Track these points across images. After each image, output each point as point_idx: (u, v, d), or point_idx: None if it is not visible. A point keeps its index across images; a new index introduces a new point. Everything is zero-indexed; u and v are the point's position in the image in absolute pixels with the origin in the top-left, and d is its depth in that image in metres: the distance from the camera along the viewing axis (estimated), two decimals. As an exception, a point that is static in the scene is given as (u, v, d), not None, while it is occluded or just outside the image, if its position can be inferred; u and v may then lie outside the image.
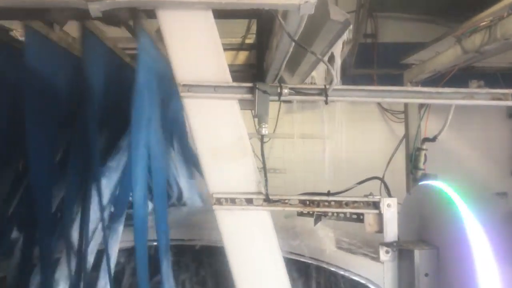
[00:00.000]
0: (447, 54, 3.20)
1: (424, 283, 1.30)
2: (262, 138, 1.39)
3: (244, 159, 1.34)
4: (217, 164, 1.33)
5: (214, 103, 1.33)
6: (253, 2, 1.25)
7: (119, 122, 1.90)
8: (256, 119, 1.38)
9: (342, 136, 5.07)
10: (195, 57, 1.33)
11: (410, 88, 1.92)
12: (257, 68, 2.29)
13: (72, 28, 1.83)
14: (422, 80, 3.71)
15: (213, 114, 1.34)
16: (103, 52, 1.95)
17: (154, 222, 1.67)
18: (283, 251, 1.36)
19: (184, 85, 1.31)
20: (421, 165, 3.56)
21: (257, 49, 2.34)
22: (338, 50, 1.54)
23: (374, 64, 4.95)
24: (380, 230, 1.34)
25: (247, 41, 2.65)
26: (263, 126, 1.36)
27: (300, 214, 1.39)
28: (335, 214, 1.38)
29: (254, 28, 2.28)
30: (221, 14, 1.32)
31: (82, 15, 1.31)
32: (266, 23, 1.95)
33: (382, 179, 1.50)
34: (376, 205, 1.34)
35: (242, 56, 2.68)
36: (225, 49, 1.35)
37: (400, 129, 4.44)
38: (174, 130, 2.56)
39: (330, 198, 1.35)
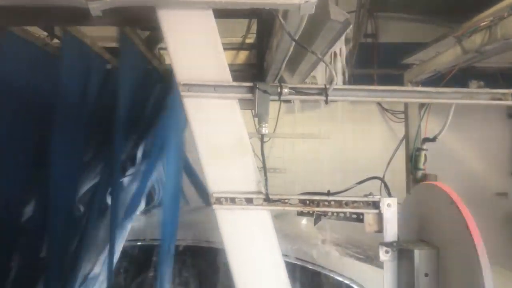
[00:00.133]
0: (447, 54, 3.20)
1: (424, 283, 1.29)
2: (262, 137, 1.39)
3: (244, 158, 1.33)
4: (217, 163, 1.33)
5: (214, 102, 1.33)
6: (254, 1, 1.25)
7: (141, 128, 1.94)
8: (256, 119, 1.38)
9: (342, 136, 5.07)
10: (195, 56, 1.33)
11: (410, 88, 1.93)
12: (257, 68, 2.29)
13: (99, 30, 1.84)
14: (422, 80, 3.71)
15: (213, 114, 1.34)
16: (137, 58, 1.96)
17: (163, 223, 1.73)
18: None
19: (184, 84, 1.31)
20: (421, 165, 3.56)
21: (257, 48, 2.34)
22: (342, 50, 1.54)
23: (374, 64, 4.95)
24: (380, 230, 1.34)
25: (248, 40, 2.65)
26: (263, 125, 1.36)
27: (300, 213, 1.39)
28: (335, 214, 1.38)
29: (254, 27, 2.28)
30: (221, 14, 1.32)
31: (82, 15, 1.31)
32: (266, 22, 1.95)
33: (382, 179, 1.50)
34: (376, 205, 1.34)
35: (243, 55, 2.68)
36: (225, 49, 1.35)
37: (400, 129, 4.43)
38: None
39: (330, 198, 1.35)
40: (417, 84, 3.72)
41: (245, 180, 1.33)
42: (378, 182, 1.50)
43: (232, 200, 1.31)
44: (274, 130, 4.29)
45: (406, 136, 3.89)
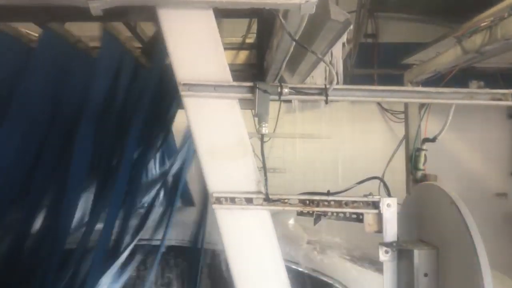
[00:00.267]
0: (447, 55, 3.20)
1: (423, 283, 1.29)
2: (262, 137, 1.39)
3: (244, 158, 1.33)
4: (217, 163, 1.33)
5: (215, 102, 1.33)
6: (254, 1, 1.25)
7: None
8: (256, 119, 1.38)
9: (342, 136, 5.07)
10: (195, 56, 1.33)
11: (410, 88, 1.93)
12: (257, 68, 2.30)
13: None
14: (423, 80, 3.71)
15: (213, 113, 1.34)
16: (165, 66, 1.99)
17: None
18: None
19: (184, 84, 1.31)
20: (421, 166, 3.56)
21: (257, 48, 2.34)
22: (340, 50, 1.54)
23: (374, 64, 4.95)
24: (380, 230, 1.34)
25: (248, 40, 2.65)
26: (263, 125, 1.36)
27: (300, 213, 1.39)
28: (335, 214, 1.38)
29: (254, 27, 2.28)
30: (222, 13, 1.32)
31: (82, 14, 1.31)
32: (266, 22, 1.95)
33: (382, 179, 1.50)
34: (375, 205, 1.33)
35: (243, 55, 2.68)
36: (225, 49, 1.35)
37: (400, 129, 4.44)
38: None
39: (330, 198, 1.35)
40: (417, 84, 3.73)
41: (245, 180, 1.33)
42: (378, 182, 1.50)
43: (232, 200, 1.31)
44: (274, 130, 4.30)
45: (406, 136, 3.89)
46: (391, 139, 4.80)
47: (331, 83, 1.36)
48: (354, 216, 1.37)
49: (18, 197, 1.76)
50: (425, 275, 1.30)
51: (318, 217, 1.39)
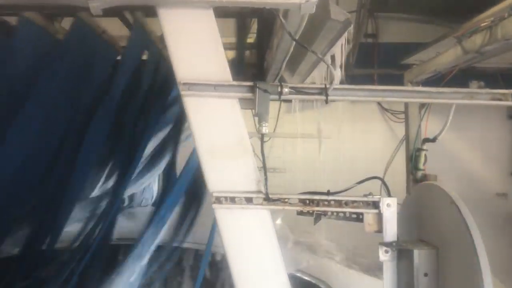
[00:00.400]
0: (447, 55, 3.20)
1: (423, 283, 1.29)
2: (262, 137, 1.39)
3: (244, 158, 1.33)
4: (217, 162, 1.33)
5: (215, 101, 1.33)
6: (254, 1, 1.25)
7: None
8: (256, 118, 1.38)
9: (342, 136, 5.07)
10: (195, 55, 1.33)
11: (410, 88, 1.93)
12: (257, 68, 2.29)
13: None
14: (423, 80, 3.72)
15: (213, 113, 1.34)
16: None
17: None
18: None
19: (184, 83, 1.31)
20: (421, 166, 3.56)
21: (257, 48, 2.33)
22: (339, 49, 1.54)
23: (374, 64, 4.94)
24: (380, 230, 1.34)
25: (248, 40, 2.65)
26: (264, 125, 1.36)
27: (300, 213, 1.39)
28: (335, 214, 1.38)
29: (254, 27, 2.27)
30: (222, 13, 1.32)
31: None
32: (267, 22, 1.95)
33: (382, 179, 1.50)
34: (375, 204, 1.33)
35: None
36: (225, 48, 1.35)
37: (400, 129, 4.44)
38: None
39: (330, 198, 1.35)
40: (417, 84, 3.73)
41: (245, 179, 1.33)
42: (378, 182, 1.50)
43: (232, 200, 1.31)
44: (274, 129, 4.29)
45: (406, 136, 3.90)
46: (391, 139, 4.80)
47: (331, 82, 1.36)
48: (354, 215, 1.37)
49: (37, 191, 1.78)
50: (425, 275, 1.30)
51: (318, 217, 1.39)
